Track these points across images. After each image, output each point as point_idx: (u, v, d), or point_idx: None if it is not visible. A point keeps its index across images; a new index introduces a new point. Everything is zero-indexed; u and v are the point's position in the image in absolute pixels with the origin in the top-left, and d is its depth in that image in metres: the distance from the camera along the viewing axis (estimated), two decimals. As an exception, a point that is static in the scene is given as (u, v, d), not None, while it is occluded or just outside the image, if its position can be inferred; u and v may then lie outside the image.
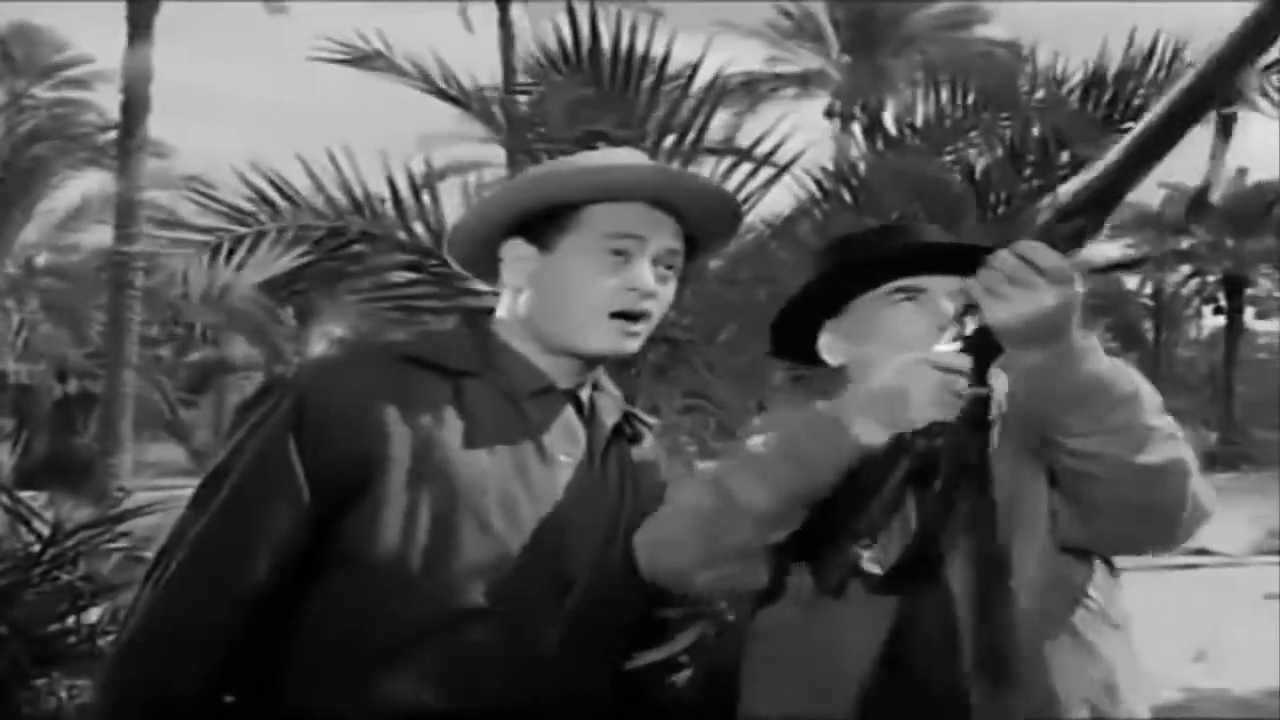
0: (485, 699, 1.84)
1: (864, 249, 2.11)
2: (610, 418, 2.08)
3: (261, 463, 1.83)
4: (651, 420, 2.22)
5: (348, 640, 1.82)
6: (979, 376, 1.76)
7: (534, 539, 1.90)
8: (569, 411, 2.02)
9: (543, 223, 1.97)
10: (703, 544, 1.86)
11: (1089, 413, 1.74)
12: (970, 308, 1.75)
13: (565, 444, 1.99)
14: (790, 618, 1.95)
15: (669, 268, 2.02)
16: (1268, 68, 4.96)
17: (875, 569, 1.82)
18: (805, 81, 29.14)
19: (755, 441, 1.92)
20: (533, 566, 1.89)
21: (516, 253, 2.00)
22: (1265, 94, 5.02)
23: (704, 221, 2.07)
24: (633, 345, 2.01)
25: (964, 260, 1.88)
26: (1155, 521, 1.88)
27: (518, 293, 2.00)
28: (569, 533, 1.93)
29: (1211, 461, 34.68)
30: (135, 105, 19.75)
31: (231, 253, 4.92)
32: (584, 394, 2.05)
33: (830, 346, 2.10)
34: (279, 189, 5.05)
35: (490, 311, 2.08)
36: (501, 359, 1.98)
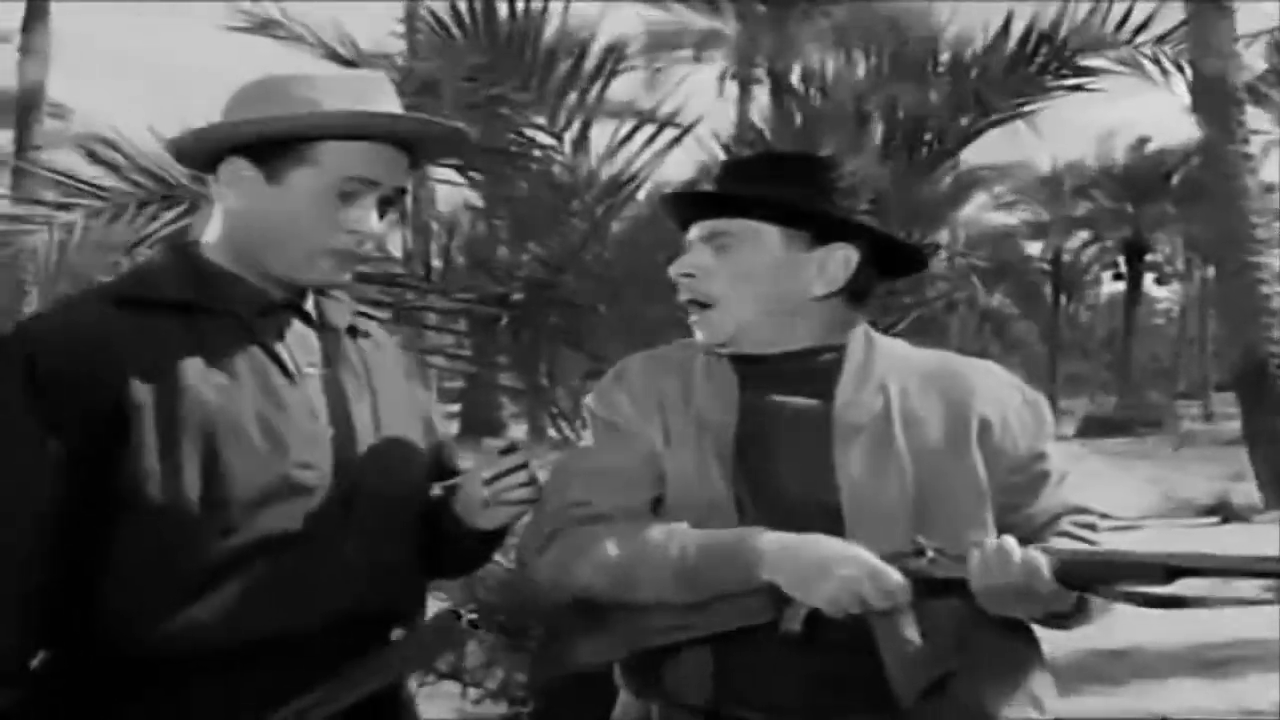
0: (295, 623, 1.82)
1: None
2: (341, 320, 2.04)
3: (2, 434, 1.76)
4: (380, 315, 2.15)
5: (148, 580, 1.77)
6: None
7: (301, 456, 1.85)
8: (298, 324, 1.97)
9: (270, 148, 1.87)
10: (607, 587, 1.91)
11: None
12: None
13: (304, 355, 1.95)
14: None
15: (392, 203, 1.98)
16: (1161, 38, 5.02)
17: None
18: (704, 43, 28.81)
19: (664, 534, 1.91)
20: (308, 484, 1.85)
21: (238, 173, 1.90)
22: (1158, 63, 5.09)
23: (436, 155, 2.04)
24: (347, 276, 1.97)
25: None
26: None
27: (231, 214, 1.93)
28: (334, 443, 1.90)
29: (1109, 426, 35.38)
30: (33, 64, 19.36)
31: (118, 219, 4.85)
32: (308, 305, 2.00)
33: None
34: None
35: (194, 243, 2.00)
36: (219, 283, 1.91)
